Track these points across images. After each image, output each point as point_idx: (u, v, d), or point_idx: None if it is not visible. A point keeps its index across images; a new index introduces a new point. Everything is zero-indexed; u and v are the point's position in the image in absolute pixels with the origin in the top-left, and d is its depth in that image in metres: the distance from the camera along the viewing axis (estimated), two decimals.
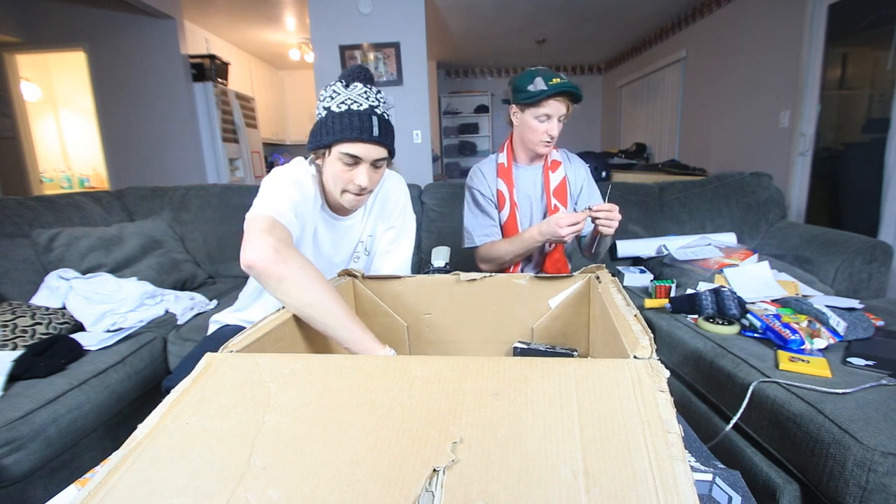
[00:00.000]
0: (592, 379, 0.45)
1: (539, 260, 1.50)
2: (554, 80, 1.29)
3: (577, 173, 1.49)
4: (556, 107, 1.31)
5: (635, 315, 0.59)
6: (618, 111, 6.13)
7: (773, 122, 3.04)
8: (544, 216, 1.46)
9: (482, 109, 6.58)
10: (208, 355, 0.52)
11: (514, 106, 1.39)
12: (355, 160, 0.92)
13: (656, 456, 0.35)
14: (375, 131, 0.90)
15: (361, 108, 0.90)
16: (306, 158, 1.01)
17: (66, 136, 4.57)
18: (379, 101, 0.93)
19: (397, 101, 3.54)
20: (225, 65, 4.12)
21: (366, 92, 0.91)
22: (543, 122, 1.33)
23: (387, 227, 1.15)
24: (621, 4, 4.04)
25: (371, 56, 3.47)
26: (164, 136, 3.81)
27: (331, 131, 0.90)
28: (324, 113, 0.92)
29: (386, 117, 0.94)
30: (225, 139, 4.01)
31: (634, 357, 0.48)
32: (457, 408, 0.42)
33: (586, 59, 6.42)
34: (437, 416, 0.41)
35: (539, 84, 1.29)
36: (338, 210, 1.05)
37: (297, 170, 0.97)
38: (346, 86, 0.91)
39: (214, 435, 0.41)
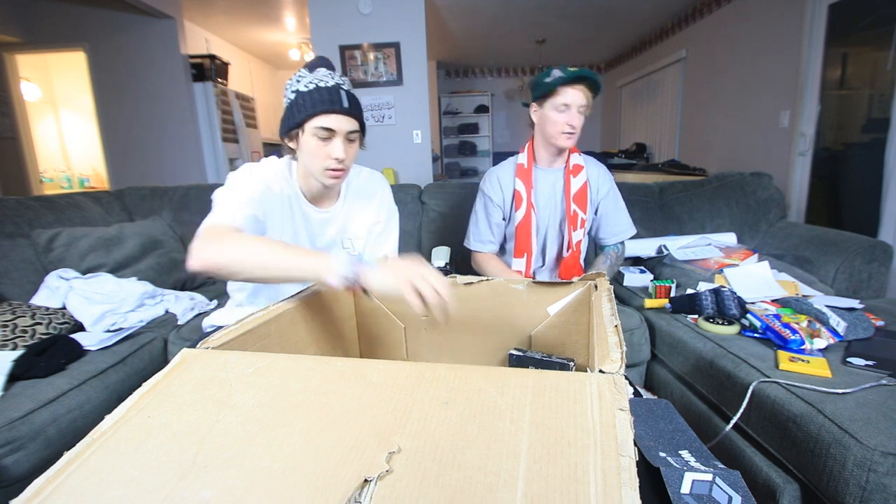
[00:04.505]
0: (550, 393, 0.42)
1: (553, 265, 1.50)
2: (571, 69, 1.30)
3: (602, 181, 1.47)
4: (574, 95, 1.29)
5: (615, 326, 0.57)
6: (618, 111, 6.13)
7: (773, 122, 3.04)
8: (563, 220, 1.46)
9: (482, 109, 6.58)
10: (184, 351, 0.53)
11: (534, 104, 1.38)
12: (330, 133, 0.95)
13: (604, 481, 0.33)
14: (345, 103, 0.94)
15: (329, 85, 0.94)
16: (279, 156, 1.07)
17: (66, 136, 4.57)
18: (343, 81, 0.98)
19: (397, 101, 3.54)
20: (225, 65, 4.12)
21: (330, 74, 0.97)
22: (563, 111, 1.31)
23: (373, 222, 1.18)
24: (621, 4, 4.04)
25: (371, 56, 3.47)
26: (164, 136, 3.81)
27: (302, 108, 0.93)
28: (292, 96, 0.96)
29: (353, 94, 0.98)
30: (225, 139, 4.01)
31: (600, 371, 0.45)
32: (403, 416, 0.41)
33: (586, 59, 6.42)
34: (382, 425, 0.40)
35: (555, 74, 1.30)
36: (316, 200, 1.09)
37: (262, 167, 1.02)
38: (311, 70, 0.97)
39: (170, 430, 0.41)
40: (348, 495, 0.33)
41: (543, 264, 1.50)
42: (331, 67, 0.99)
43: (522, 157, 1.46)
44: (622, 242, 1.55)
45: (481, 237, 1.54)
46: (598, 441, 0.36)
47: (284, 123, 0.98)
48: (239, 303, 1.16)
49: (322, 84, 0.94)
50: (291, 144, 1.00)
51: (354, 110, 0.97)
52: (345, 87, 0.96)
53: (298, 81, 0.96)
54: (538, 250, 1.48)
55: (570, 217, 1.41)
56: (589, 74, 1.29)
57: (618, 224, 1.52)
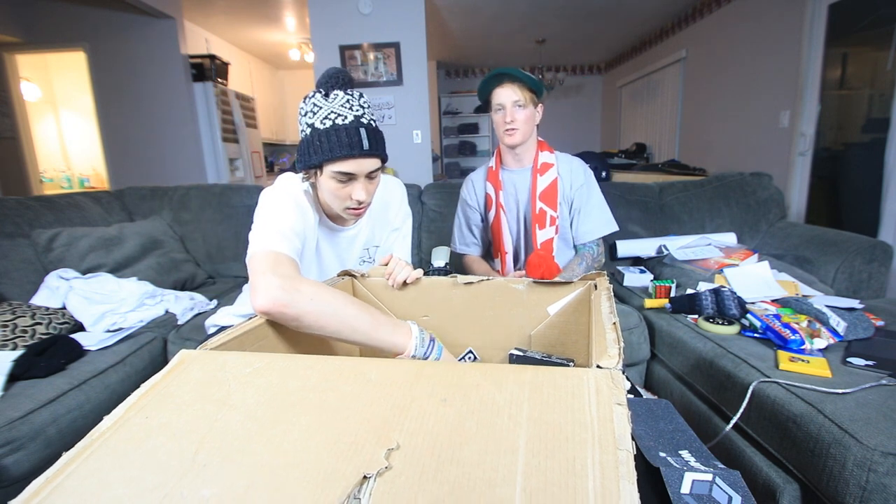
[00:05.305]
0: (547, 388, 0.42)
1: (524, 260, 1.49)
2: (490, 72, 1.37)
3: (575, 175, 1.45)
4: (502, 93, 1.35)
5: (614, 323, 0.57)
6: (618, 111, 6.13)
7: (773, 122, 3.04)
8: (528, 219, 1.46)
9: (482, 109, 6.57)
10: (182, 352, 0.53)
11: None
12: (349, 177, 0.88)
13: (602, 474, 0.33)
14: (365, 144, 0.86)
15: (347, 122, 0.85)
16: (295, 171, 0.99)
17: (66, 136, 4.57)
18: (363, 109, 0.88)
19: (397, 101, 3.54)
20: (225, 65, 4.12)
21: (348, 101, 0.86)
22: (499, 111, 1.38)
23: (391, 230, 1.17)
24: (621, 4, 4.04)
25: (371, 56, 3.47)
26: (164, 136, 3.81)
27: (318, 150, 0.85)
28: (308, 130, 0.87)
29: (373, 125, 0.89)
30: (225, 139, 4.01)
31: (597, 366, 0.45)
32: (401, 413, 0.41)
33: (586, 59, 6.42)
34: (380, 421, 0.41)
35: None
36: (337, 220, 1.03)
37: (291, 186, 0.94)
38: (326, 95, 0.86)
39: (169, 430, 0.41)
40: (348, 491, 0.33)
41: (518, 264, 1.50)
42: (347, 85, 0.88)
43: (492, 162, 1.52)
44: (597, 244, 1.50)
45: (464, 240, 1.60)
46: (595, 435, 0.36)
47: (301, 160, 0.90)
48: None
49: (340, 121, 0.85)
50: (311, 180, 0.93)
51: (375, 149, 0.87)
52: (365, 121, 0.87)
53: (314, 113, 0.86)
54: (512, 250, 1.48)
55: (535, 216, 1.42)
56: (504, 70, 1.34)
57: (588, 221, 1.47)
